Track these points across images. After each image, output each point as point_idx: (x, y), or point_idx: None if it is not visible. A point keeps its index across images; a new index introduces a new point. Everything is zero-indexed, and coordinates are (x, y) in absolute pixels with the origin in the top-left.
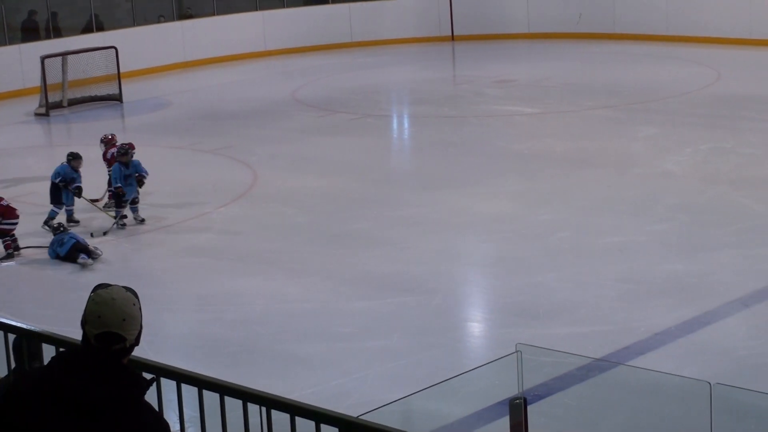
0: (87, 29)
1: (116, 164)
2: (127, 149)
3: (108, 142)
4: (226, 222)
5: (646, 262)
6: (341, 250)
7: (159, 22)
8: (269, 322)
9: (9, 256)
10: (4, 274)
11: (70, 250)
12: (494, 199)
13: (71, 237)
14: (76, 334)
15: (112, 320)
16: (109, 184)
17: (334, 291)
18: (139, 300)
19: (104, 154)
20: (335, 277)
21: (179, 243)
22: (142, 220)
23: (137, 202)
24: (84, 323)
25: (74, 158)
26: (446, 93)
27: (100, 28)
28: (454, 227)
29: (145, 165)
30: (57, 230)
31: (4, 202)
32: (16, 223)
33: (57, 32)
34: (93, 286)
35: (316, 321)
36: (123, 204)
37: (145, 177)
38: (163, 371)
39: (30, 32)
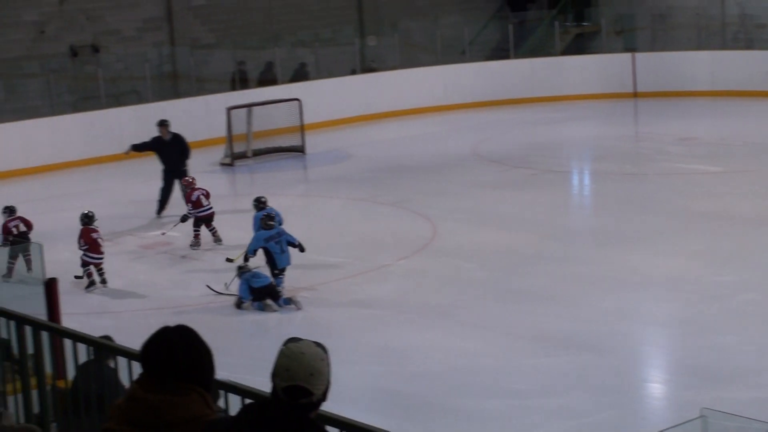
0: (273, 81)
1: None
2: (272, 216)
3: (188, 185)
4: (406, 275)
5: None
6: (519, 306)
7: (352, 74)
8: (446, 376)
9: (92, 284)
10: (188, 323)
11: (263, 288)
12: (674, 258)
13: (267, 277)
14: (255, 382)
15: (300, 374)
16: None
17: (512, 347)
18: (328, 356)
19: (188, 197)
20: (513, 332)
21: (358, 294)
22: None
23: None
24: (273, 375)
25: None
26: (627, 150)
27: (303, 78)
28: (632, 286)
29: (325, 215)
30: (243, 269)
31: (95, 235)
32: (100, 259)
33: (243, 84)
34: (270, 335)
35: (493, 377)
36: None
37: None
38: (346, 425)
39: (242, 82)
